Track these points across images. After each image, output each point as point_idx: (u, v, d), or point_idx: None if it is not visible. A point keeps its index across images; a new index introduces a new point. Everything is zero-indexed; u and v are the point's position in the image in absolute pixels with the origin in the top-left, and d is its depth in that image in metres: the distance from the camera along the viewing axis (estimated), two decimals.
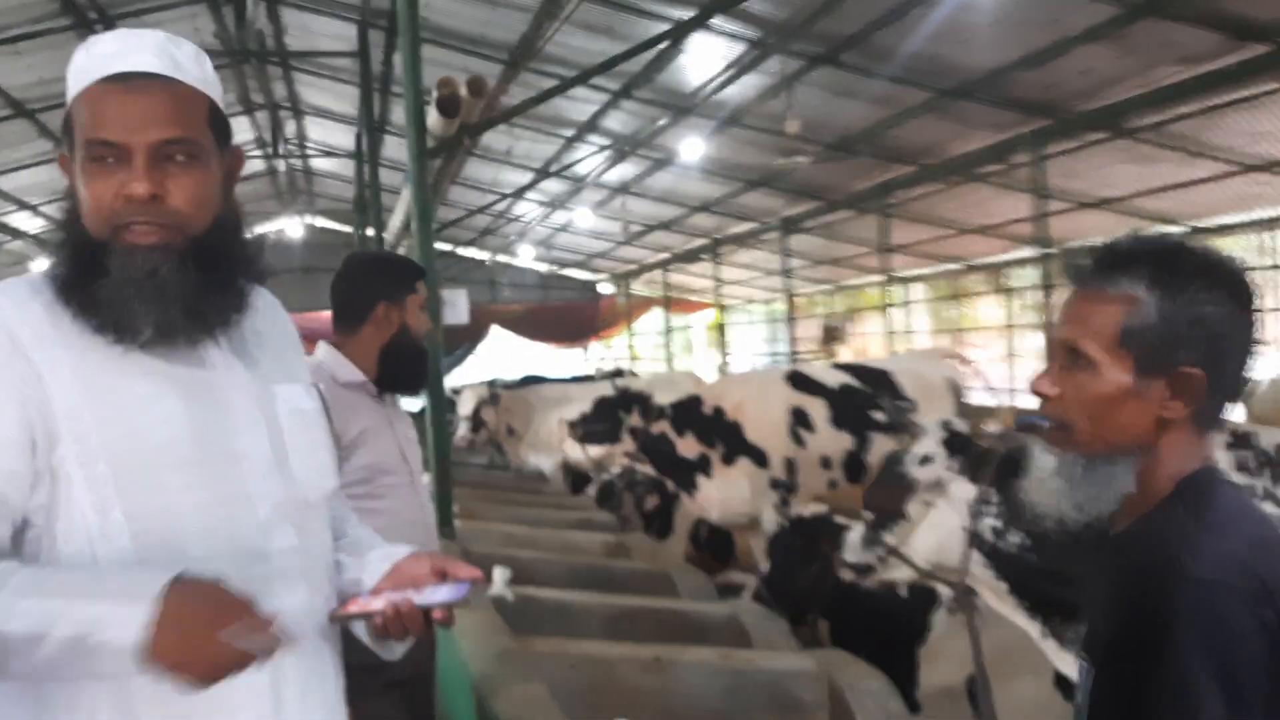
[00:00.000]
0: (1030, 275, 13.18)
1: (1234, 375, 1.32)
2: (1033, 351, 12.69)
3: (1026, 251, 12.25)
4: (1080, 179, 9.54)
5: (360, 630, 1.47)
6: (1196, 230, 9.68)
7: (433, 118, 4.59)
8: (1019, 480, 1.46)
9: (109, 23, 10.20)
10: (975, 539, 3.06)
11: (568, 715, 2.65)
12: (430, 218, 4.75)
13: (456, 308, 4.51)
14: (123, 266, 1.29)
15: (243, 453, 1.35)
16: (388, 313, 2.78)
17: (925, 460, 3.14)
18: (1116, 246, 1.36)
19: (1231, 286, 1.31)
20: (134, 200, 1.29)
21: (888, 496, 3.18)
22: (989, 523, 3.06)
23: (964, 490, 3.08)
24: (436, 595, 1.38)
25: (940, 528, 3.13)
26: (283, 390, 1.45)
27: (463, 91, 4.49)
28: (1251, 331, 1.32)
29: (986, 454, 3.11)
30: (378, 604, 1.38)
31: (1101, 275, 1.34)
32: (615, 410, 6.16)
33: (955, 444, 3.17)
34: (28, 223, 14.60)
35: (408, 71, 4.71)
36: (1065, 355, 1.36)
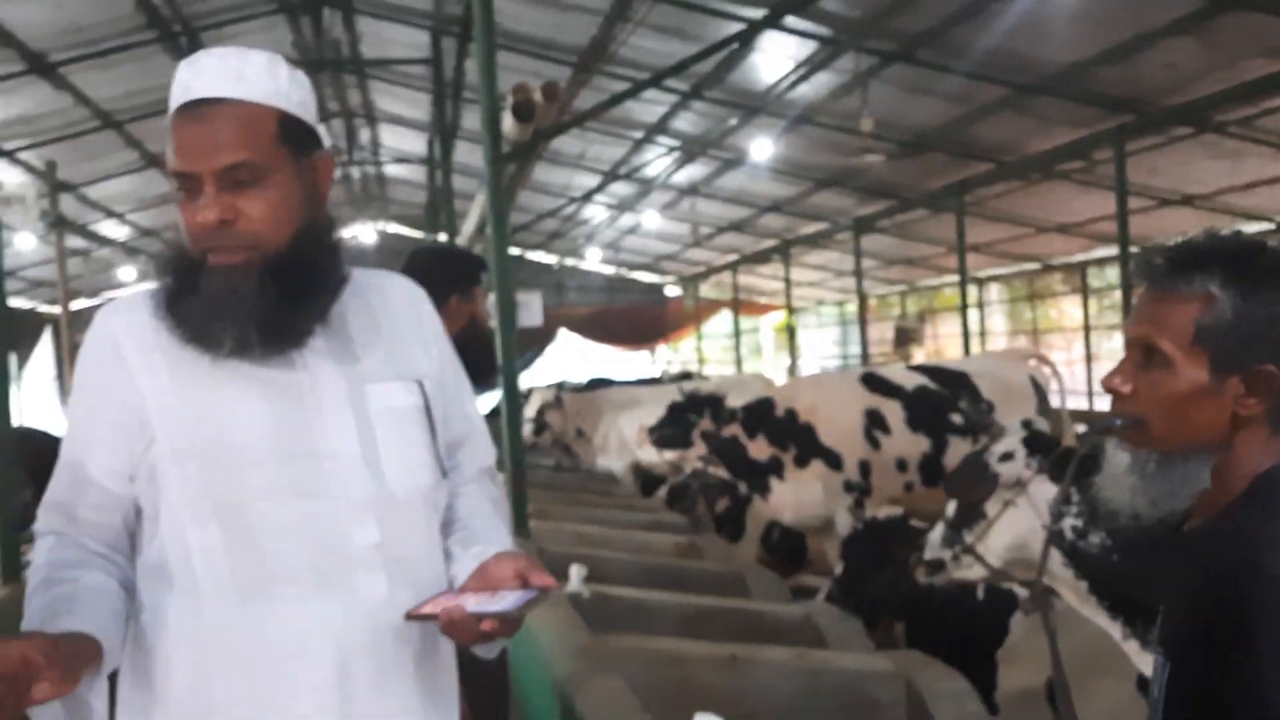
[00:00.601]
0: (1111, 275, 12.90)
1: None
2: (1113, 353, 12.40)
3: (1107, 250, 12.00)
4: (1163, 176, 9.31)
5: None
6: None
7: (508, 123, 4.65)
8: (1093, 477, 1.43)
9: (192, 35, 10.51)
10: (1055, 538, 3.02)
11: (646, 712, 2.66)
12: (506, 222, 4.81)
13: (531, 310, 4.56)
14: (208, 286, 1.37)
15: (328, 451, 1.39)
16: (459, 305, 2.81)
17: (1005, 457, 3.11)
18: (1192, 244, 1.35)
19: None
20: (207, 227, 1.36)
21: (968, 488, 3.15)
22: (1070, 522, 3.02)
23: (1044, 489, 3.05)
24: (494, 604, 1.34)
25: (1019, 526, 3.10)
26: (377, 388, 1.47)
27: (537, 96, 4.54)
28: None
29: (1067, 453, 3.07)
30: (433, 608, 1.37)
31: (1176, 273, 1.33)
32: (685, 415, 6.17)
33: (1036, 443, 3.13)
34: (114, 230, 15.08)
35: (483, 77, 4.76)
36: (1140, 353, 1.36)
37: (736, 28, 7.75)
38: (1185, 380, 1.31)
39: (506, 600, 1.34)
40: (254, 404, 1.37)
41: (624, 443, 8.43)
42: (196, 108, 1.37)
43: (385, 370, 1.49)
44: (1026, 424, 3.23)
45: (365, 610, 1.38)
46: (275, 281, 1.37)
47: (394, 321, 1.53)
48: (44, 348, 17.24)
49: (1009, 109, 8.54)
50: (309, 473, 1.35)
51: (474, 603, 1.34)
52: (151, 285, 1.47)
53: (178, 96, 1.39)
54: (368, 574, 1.39)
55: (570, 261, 20.47)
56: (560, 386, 10.02)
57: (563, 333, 20.01)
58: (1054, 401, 6.42)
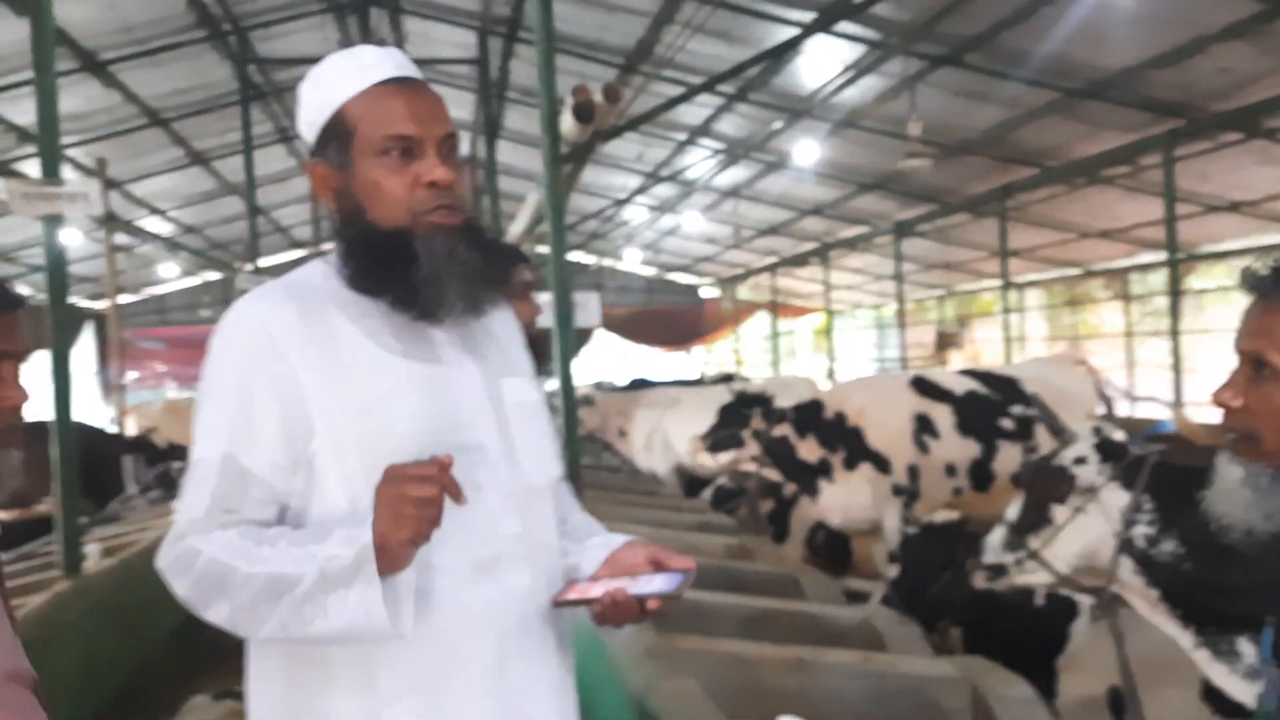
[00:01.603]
0: (1153, 281, 12.77)
1: None
2: (1154, 360, 12.29)
3: (1150, 256, 11.89)
4: (1211, 181, 9.22)
5: (583, 614, 1.52)
6: None
7: (567, 124, 4.68)
8: (1203, 491, 1.43)
9: (242, 34, 10.65)
10: (1126, 545, 3.01)
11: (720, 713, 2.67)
12: (563, 222, 4.85)
13: (588, 310, 4.59)
14: (429, 250, 1.40)
15: (474, 444, 1.43)
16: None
17: (1079, 461, 3.09)
18: None
19: None
20: (438, 186, 1.41)
21: (1048, 487, 3.13)
22: (1142, 530, 3.00)
23: (1116, 496, 3.03)
24: (652, 585, 1.41)
25: (1090, 533, 3.08)
26: (509, 383, 1.53)
27: (598, 98, 4.58)
28: None
29: (1140, 461, 3.05)
30: (596, 591, 1.42)
31: None
32: (739, 415, 6.18)
33: (1107, 449, 3.11)
34: (157, 226, 15.27)
35: (543, 78, 4.80)
36: (1250, 366, 1.35)
37: (782, 30, 7.77)
38: None
39: (662, 582, 1.40)
40: (410, 398, 1.40)
41: (668, 444, 8.45)
42: (408, 82, 1.45)
43: (507, 366, 1.56)
44: (1098, 430, 3.21)
45: (514, 598, 1.42)
46: (476, 247, 1.44)
47: (496, 323, 1.57)
48: (85, 342, 17.44)
49: (1056, 113, 8.49)
50: (462, 465, 1.36)
51: (634, 586, 1.40)
52: (283, 278, 1.49)
53: (371, 74, 1.44)
54: (512, 563, 1.43)
55: (609, 262, 20.53)
56: (599, 386, 10.04)
57: (600, 333, 20.04)
58: (1107, 407, 6.37)
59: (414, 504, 1.26)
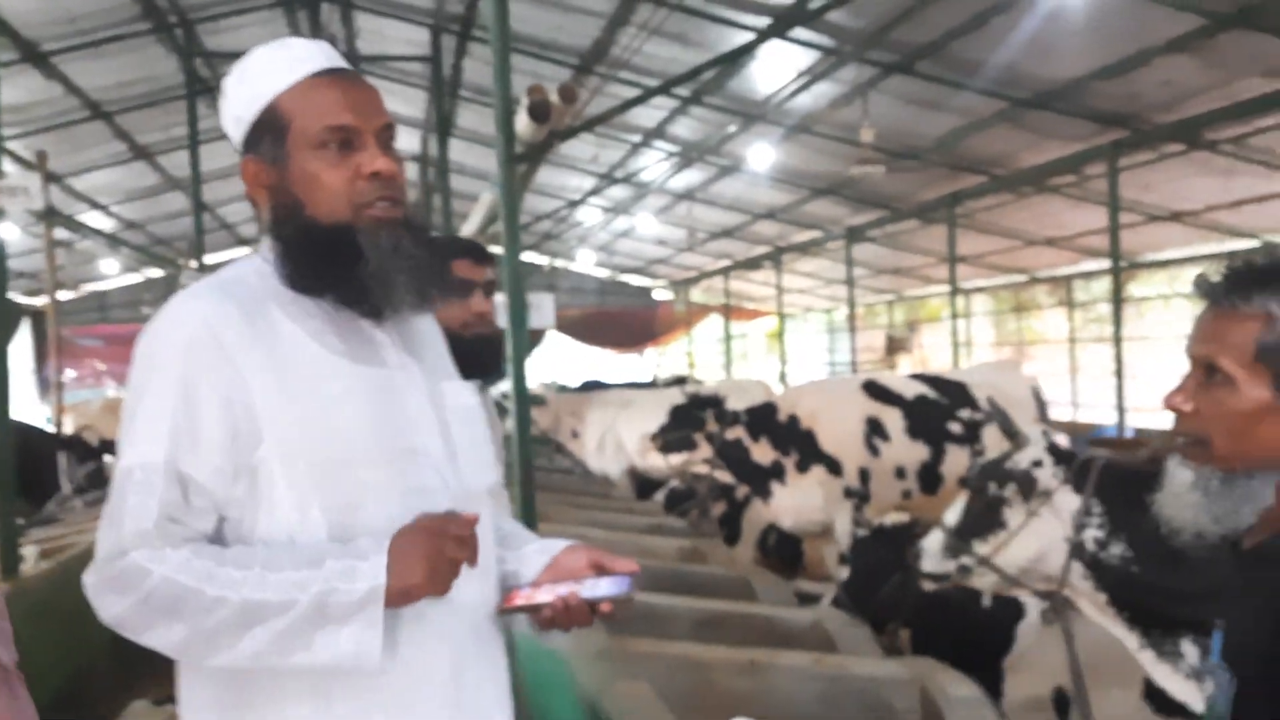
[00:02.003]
0: (1096, 288, 13.03)
1: None
2: (1096, 365, 12.52)
3: (1094, 264, 12.13)
4: (1154, 191, 9.42)
5: (520, 622, 1.50)
6: (1270, 245, 9.52)
7: (522, 124, 4.65)
8: (1154, 495, 1.45)
9: (189, 27, 10.46)
10: (1077, 549, 3.05)
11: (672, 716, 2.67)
12: (518, 222, 4.81)
13: (542, 311, 4.56)
14: (374, 245, 1.36)
15: (421, 449, 1.40)
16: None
17: (1036, 465, 3.13)
18: (1251, 263, 1.36)
19: None
20: (380, 177, 1.37)
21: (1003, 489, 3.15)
22: (1092, 534, 3.05)
23: (1068, 500, 3.07)
24: (599, 588, 1.40)
25: (1043, 536, 3.11)
26: (449, 387, 1.50)
27: (554, 98, 4.55)
28: None
29: (1089, 464, 3.10)
30: (544, 597, 1.41)
31: (1236, 292, 1.34)
32: (691, 417, 6.18)
33: (1059, 454, 3.16)
34: (99, 222, 14.94)
35: (498, 77, 4.76)
36: (1201, 371, 1.37)
37: (738, 35, 7.80)
38: (1248, 398, 1.32)
39: (611, 584, 1.40)
40: (358, 401, 1.35)
41: (621, 446, 8.44)
42: (342, 73, 1.42)
43: (443, 369, 1.53)
44: (1045, 434, 3.26)
45: (467, 608, 1.40)
46: (415, 242, 1.40)
47: (425, 325, 1.55)
48: (22, 339, 17.01)
49: (1005, 122, 8.62)
50: (409, 470, 1.35)
51: (583, 590, 1.39)
52: (216, 277, 1.43)
53: (303, 66, 1.40)
54: (464, 572, 1.38)
55: (562, 263, 20.47)
56: (552, 386, 10.00)
57: (552, 334, 19.98)
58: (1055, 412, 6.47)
59: (451, 564, 1.28)
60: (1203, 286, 1.40)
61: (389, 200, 1.38)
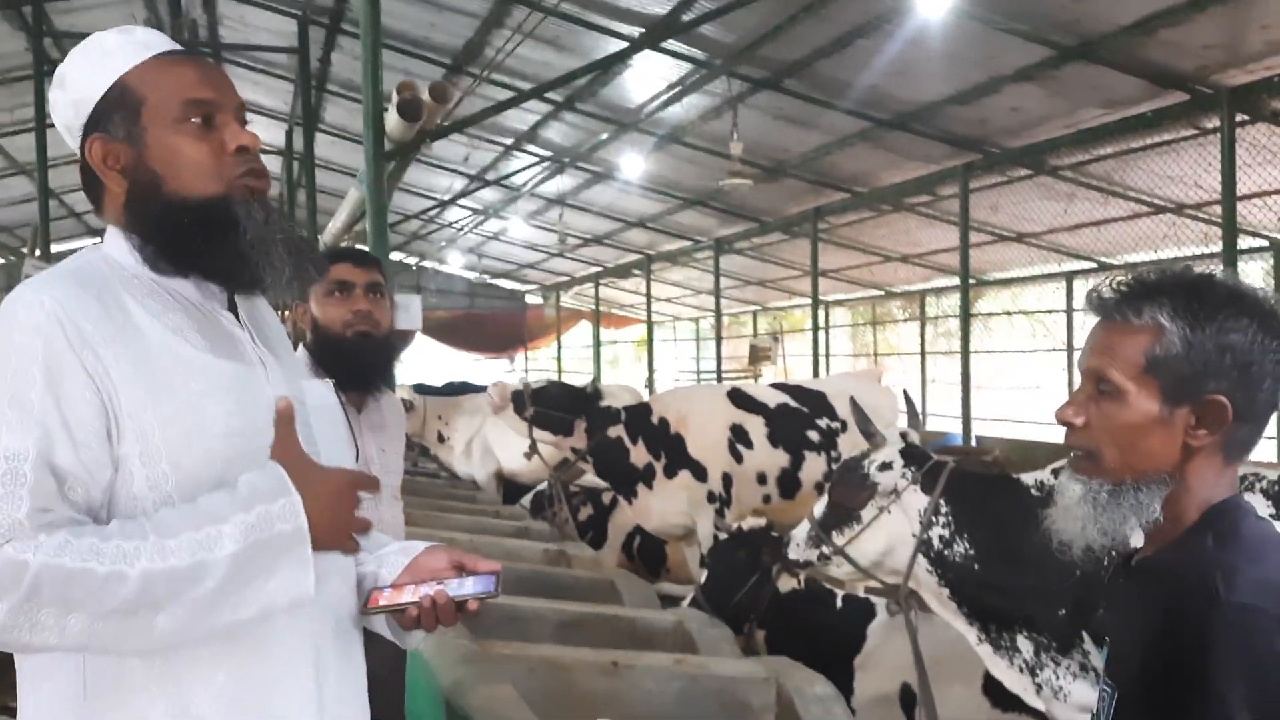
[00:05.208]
0: (946, 304, 13.63)
1: (1263, 404, 1.33)
2: (945, 377, 13.09)
3: (945, 280, 12.69)
4: (1002, 213, 9.91)
5: (380, 623, 1.50)
6: (1104, 266, 10.15)
7: (392, 121, 4.60)
8: (1047, 509, 1.44)
9: (37, 4, 9.90)
10: (923, 545, 3.21)
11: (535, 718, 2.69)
12: (386, 221, 4.75)
13: (410, 313, 4.50)
14: (248, 214, 1.34)
15: None
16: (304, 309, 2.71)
17: (884, 466, 3.27)
18: (1142, 278, 1.38)
19: (1260, 316, 1.31)
20: (247, 151, 1.36)
21: (849, 494, 3.30)
22: (938, 532, 3.21)
23: (916, 499, 3.23)
24: (465, 588, 1.41)
25: (891, 532, 3.27)
26: (309, 385, 1.51)
27: (425, 96, 4.51)
28: None
29: (938, 466, 3.26)
30: (409, 597, 1.40)
31: (1127, 305, 1.36)
32: (574, 399, 6.06)
33: (911, 455, 3.31)
34: None
35: (367, 72, 4.70)
36: (1092, 384, 1.38)
37: (611, 43, 7.87)
38: (1136, 410, 1.33)
39: (475, 584, 1.41)
40: (221, 399, 1.32)
41: (488, 450, 8.38)
42: (192, 54, 1.41)
43: (300, 368, 1.53)
44: (904, 435, 3.41)
45: (329, 606, 1.39)
46: (283, 220, 1.40)
47: (268, 315, 1.54)
48: None
49: (866, 142, 8.93)
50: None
51: (449, 589, 1.40)
52: (63, 266, 1.35)
53: (148, 48, 1.38)
54: (326, 569, 1.37)
55: (429, 264, 20.17)
56: (417, 389, 9.83)
57: (418, 337, 19.67)
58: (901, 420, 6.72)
59: (360, 522, 1.32)
60: (1094, 301, 1.41)
61: (256, 173, 1.37)
